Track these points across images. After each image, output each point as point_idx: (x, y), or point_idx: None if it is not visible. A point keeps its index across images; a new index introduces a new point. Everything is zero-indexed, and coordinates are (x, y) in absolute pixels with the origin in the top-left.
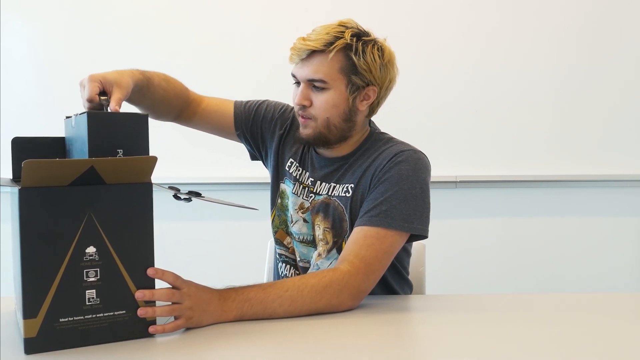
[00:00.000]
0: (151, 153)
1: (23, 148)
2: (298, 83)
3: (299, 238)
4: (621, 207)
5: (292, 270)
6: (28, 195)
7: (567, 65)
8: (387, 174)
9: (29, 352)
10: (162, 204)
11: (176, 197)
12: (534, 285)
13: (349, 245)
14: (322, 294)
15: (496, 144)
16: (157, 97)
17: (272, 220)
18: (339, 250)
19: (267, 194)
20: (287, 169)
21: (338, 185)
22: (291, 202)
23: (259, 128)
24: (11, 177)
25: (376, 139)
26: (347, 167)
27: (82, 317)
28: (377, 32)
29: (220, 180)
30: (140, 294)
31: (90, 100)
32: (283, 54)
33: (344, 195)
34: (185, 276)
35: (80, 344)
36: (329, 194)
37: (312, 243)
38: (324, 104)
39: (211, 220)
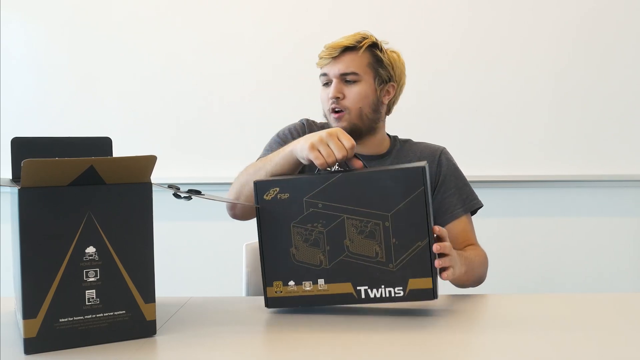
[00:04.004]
0: (151, 153)
1: (22, 148)
2: (327, 84)
3: None
4: (621, 207)
5: None
6: (28, 195)
7: (567, 64)
8: (447, 170)
9: (28, 352)
10: (162, 204)
11: (176, 195)
12: (533, 285)
13: (467, 233)
14: (484, 268)
15: (495, 144)
16: None
17: None
18: None
19: None
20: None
21: None
22: None
23: None
24: (10, 178)
25: (402, 141)
26: (388, 164)
27: (82, 317)
28: (375, 31)
29: (220, 181)
30: (437, 247)
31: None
32: (283, 54)
33: None
34: (186, 276)
35: (80, 344)
36: None
37: None
38: (357, 95)
39: (211, 220)
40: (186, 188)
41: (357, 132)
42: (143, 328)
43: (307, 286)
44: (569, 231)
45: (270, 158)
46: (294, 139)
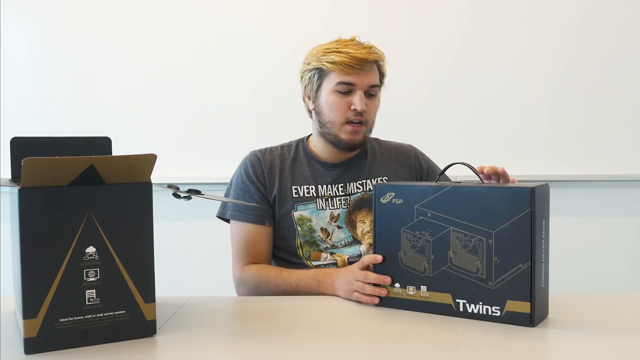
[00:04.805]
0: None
1: (22, 148)
2: (345, 93)
3: (341, 244)
4: (621, 207)
5: None
6: (28, 195)
7: (566, 64)
8: (427, 163)
9: (28, 352)
10: (161, 204)
11: (176, 195)
12: None
13: None
14: None
15: (495, 144)
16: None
17: (294, 254)
18: None
19: None
20: (297, 196)
21: (370, 180)
22: (319, 219)
23: (267, 202)
24: (10, 178)
25: (372, 140)
26: (367, 163)
27: (82, 317)
28: (376, 31)
29: (221, 181)
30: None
31: None
32: (283, 55)
33: None
34: (186, 276)
35: (80, 344)
36: (365, 189)
37: (354, 242)
38: (375, 109)
39: (211, 219)
40: (186, 188)
41: (364, 143)
42: (143, 328)
43: (411, 290)
44: (569, 231)
45: (304, 280)
46: (258, 179)
